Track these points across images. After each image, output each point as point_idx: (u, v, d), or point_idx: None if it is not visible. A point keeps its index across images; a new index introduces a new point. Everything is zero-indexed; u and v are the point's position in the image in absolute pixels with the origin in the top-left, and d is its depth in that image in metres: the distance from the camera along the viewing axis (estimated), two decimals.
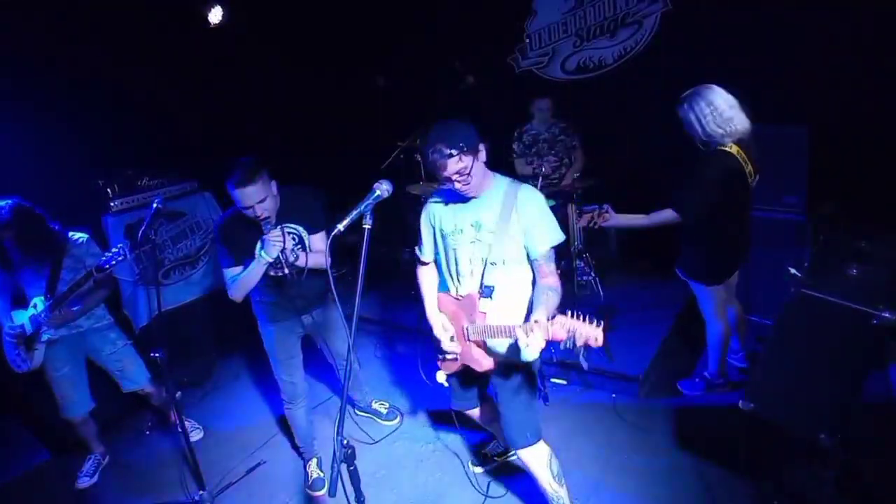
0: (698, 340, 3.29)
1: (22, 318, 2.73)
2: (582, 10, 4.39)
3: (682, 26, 3.93)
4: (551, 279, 1.93)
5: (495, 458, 2.79)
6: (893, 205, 2.92)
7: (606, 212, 2.67)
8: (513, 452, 2.74)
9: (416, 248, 2.28)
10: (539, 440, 2.12)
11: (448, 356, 2.19)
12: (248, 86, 4.88)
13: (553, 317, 1.71)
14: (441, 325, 2.16)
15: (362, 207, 1.71)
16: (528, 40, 4.76)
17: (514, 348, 1.95)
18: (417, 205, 4.32)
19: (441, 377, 2.28)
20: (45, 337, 2.74)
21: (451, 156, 1.81)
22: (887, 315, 1.84)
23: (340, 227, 1.69)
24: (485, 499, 2.56)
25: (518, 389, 2.10)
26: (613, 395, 3.15)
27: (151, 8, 4.09)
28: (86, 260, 2.80)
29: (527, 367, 2.11)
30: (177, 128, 4.19)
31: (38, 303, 2.72)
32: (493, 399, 2.36)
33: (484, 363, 2.08)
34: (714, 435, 2.67)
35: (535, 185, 3.78)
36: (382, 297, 4.66)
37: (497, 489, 2.61)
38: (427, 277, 2.30)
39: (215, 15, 4.36)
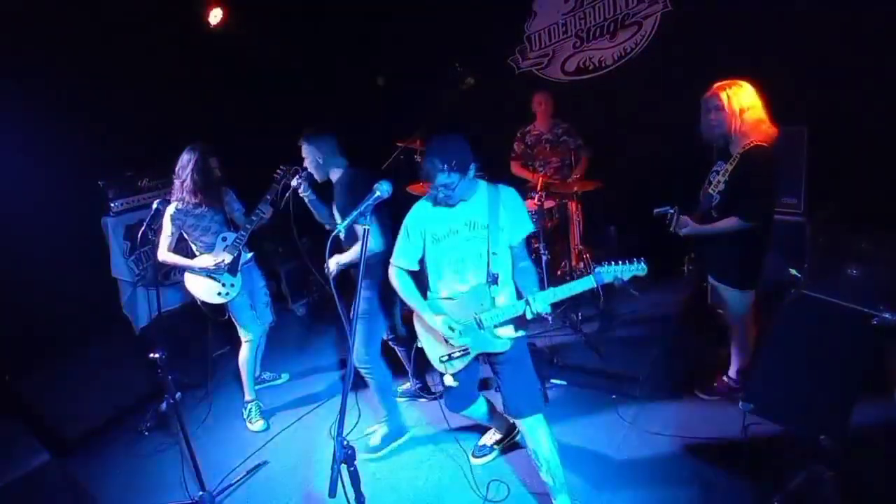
0: (698, 341, 3.29)
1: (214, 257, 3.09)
2: (582, 11, 4.40)
3: (682, 26, 3.93)
4: (527, 261, 2.26)
5: (494, 447, 2.81)
6: (893, 205, 2.92)
7: (676, 216, 2.64)
8: (511, 438, 2.80)
9: (398, 258, 2.31)
10: (542, 408, 2.27)
11: (455, 353, 2.26)
12: (248, 86, 4.89)
13: (593, 269, 2.06)
14: (447, 325, 2.20)
15: (362, 207, 1.72)
16: (527, 41, 4.77)
17: (520, 321, 2.19)
18: None
19: (449, 380, 2.33)
20: (246, 256, 3.24)
21: (441, 170, 2.03)
22: (887, 315, 1.84)
23: (341, 227, 1.70)
24: (484, 500, 2.55)
25: (520, 360, 2.28)
26: (613, 396, 3.15)
27: (152, 8, 4.10)
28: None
29: (523, 338, 2.29)
30: (177, 129, 4.18)
31: (228, 236, 3.12)
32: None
33: (502, 343, 2.20)
34: (714, 435, 2.67)
35: (534, 189, 3.83)
36: None
37: (497, 492, 2.60)
38: (411, 284, 2.34)
39: (215, 16, 4.37)
